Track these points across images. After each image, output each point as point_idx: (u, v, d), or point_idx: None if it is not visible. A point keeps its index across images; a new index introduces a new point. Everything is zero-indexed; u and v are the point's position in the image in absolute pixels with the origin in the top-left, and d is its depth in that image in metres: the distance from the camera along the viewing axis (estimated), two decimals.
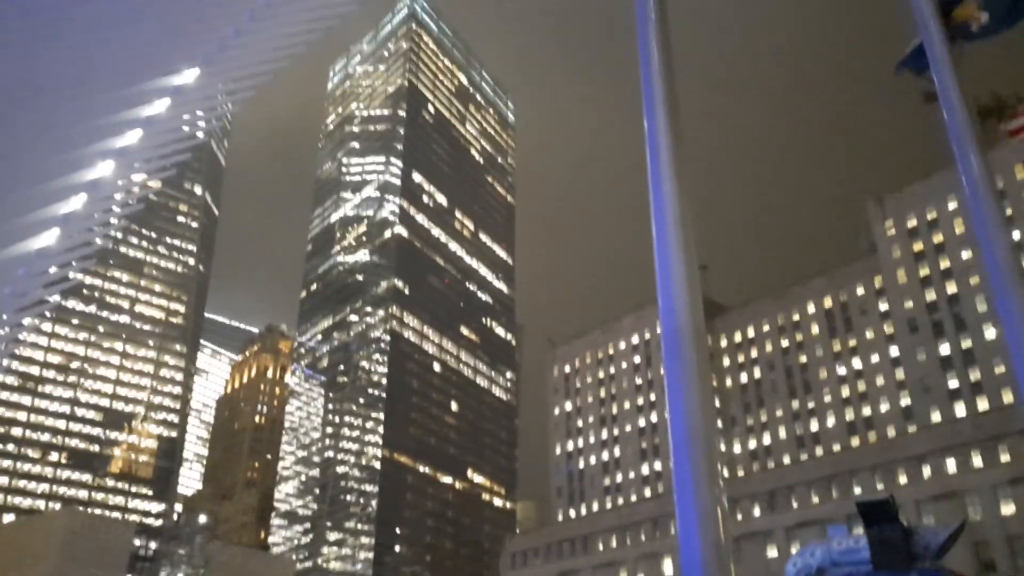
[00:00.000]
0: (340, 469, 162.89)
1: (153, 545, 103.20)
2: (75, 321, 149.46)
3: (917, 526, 43.84)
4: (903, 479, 65.47)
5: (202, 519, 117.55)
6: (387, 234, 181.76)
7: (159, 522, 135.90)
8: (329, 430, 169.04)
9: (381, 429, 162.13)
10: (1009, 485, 59.03)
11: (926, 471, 64.63)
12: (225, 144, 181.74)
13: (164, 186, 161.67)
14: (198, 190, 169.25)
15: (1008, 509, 58.28)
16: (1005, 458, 60.36)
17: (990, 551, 56.17)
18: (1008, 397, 76.99)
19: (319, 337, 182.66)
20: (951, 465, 62.85)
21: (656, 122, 5.08)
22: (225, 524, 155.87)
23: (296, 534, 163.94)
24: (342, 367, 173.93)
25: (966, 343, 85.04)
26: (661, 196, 5.01)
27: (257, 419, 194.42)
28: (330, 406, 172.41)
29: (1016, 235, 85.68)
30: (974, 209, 6.90)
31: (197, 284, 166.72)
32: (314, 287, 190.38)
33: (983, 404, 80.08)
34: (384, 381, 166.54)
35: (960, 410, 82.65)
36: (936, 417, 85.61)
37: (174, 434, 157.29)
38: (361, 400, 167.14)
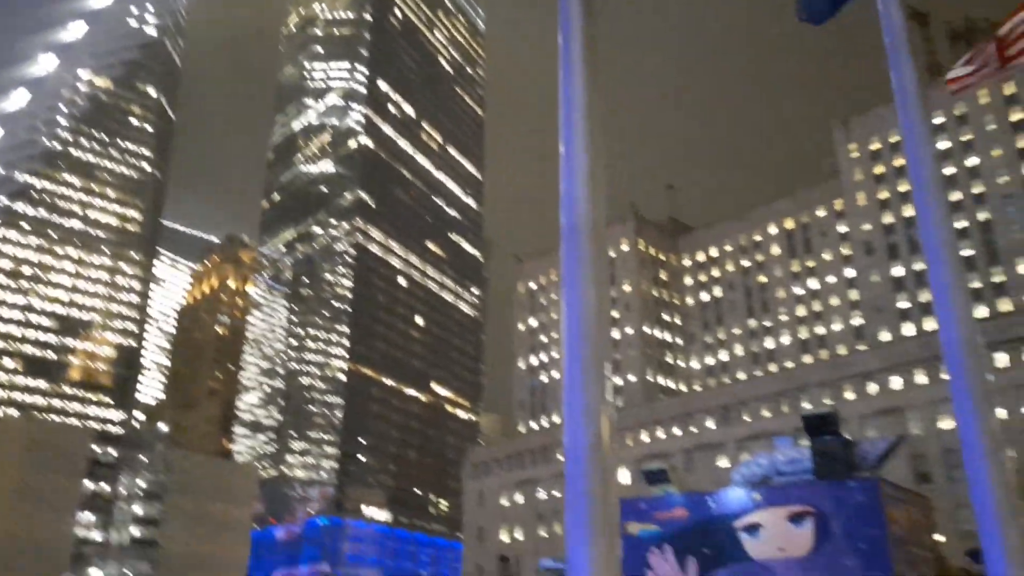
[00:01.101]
0: (304, 381, 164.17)
1: (113, 452, 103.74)
2: (25, 225, 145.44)
3: (858, 439, 45.71)
4: (850, 395, 67.87)
5: (163, 427, 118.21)
6: (352, 144, 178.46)
7: (120, 430, 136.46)
8: (293, 342, 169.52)
9: (346, 342, 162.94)
10: (947, 402, 61.57)
11: (872, 388, 67.03)
12: (180, 43, 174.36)
13: (115, 86, 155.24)
14: (152, 91, 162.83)
15: (945, 424, 60.98)
16: (946, 376, 62.68)
17: (927, 464, 58.92)
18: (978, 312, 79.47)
19: (282, 248, 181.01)
20: (896, 382, 65.22)
21: (570, 13, 4.94)
22: (187, 433, 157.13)
23: (260, 443, 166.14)
24: (306, 279, 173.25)
25: (918, 266, 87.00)
26: (570, 87, 4.89)
27: (219, 330, 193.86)
28: (294, 318, 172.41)
29: (974, 160, 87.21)
30: (908, 141, 6.89)
31: (153, 190, 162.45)
32: (276, 197, 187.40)
33: (930, 324, 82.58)
34: (349, 295, 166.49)
35: (909, 330, 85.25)
36: (886, 336, 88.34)
37: (132, 343, 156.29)
38: (326, 313, 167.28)
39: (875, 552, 35.00)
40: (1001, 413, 57.50)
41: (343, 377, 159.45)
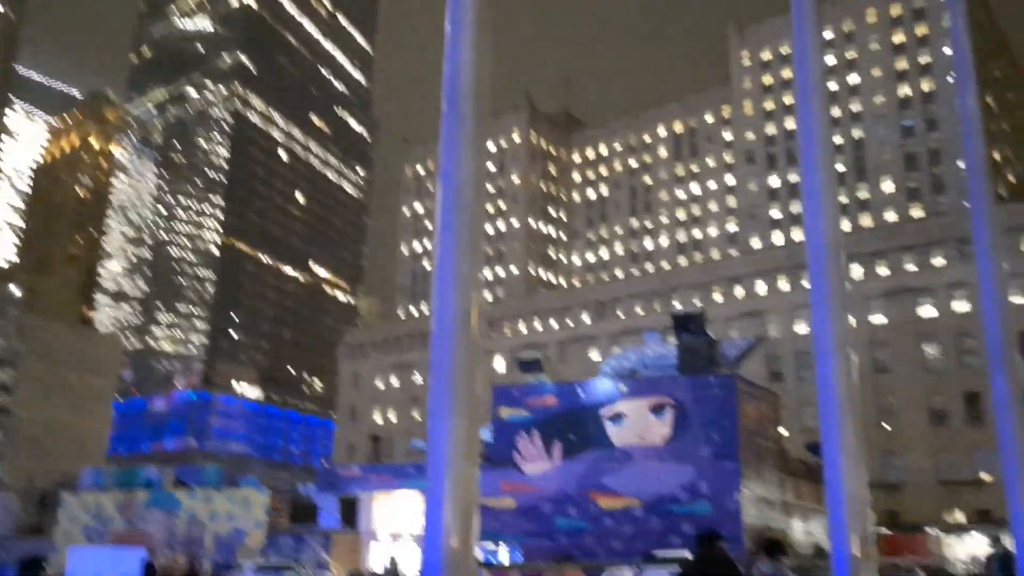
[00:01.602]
0: (174, 252, 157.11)
1: None
2: None
3: (721, 338, 47.93)
4: (718, 297, 71.08)
5: (15, 291, 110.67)
6: (233, 3, 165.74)
7: None
8: (162, 210, 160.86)
9: (220, 214, 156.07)
10: (804, 307, 65.65)
11: (739, 291, 70.38)
12: None
13: None
14: None
15: (800, 328, 65.11)
16: (806, 284, 66.54)
17: (780, 364, 63.03)
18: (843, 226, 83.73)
19: (152, 109, 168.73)
20: (760, 287, 68.69)
21: None
22: (44, 298, 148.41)
23: (125, 314, 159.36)
24: (178, 145, 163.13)
25: (793, 177, 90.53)
26: None
27: (80, 191, 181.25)
28: (164, 185, 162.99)
29: (855, 79, 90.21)
30: (798, 52, 6.70)
31: (4, 32, 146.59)
32: (147, 52, 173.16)
33: (798, 235, 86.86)
34: (225, 164, 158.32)
35: (779, 239, 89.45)
36: (756, 244, 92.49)
37: None
38: (199, 182, 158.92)
39: (726, 442, 37.37)
40: (850, 321, 61.73)
41: (216, 251, 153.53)
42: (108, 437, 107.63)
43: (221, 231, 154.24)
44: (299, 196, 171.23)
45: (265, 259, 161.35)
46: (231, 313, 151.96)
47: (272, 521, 46.33)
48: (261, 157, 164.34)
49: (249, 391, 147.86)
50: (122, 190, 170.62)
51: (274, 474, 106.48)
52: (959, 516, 55.62)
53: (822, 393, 5.90)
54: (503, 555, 40.16)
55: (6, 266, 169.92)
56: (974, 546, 38.71)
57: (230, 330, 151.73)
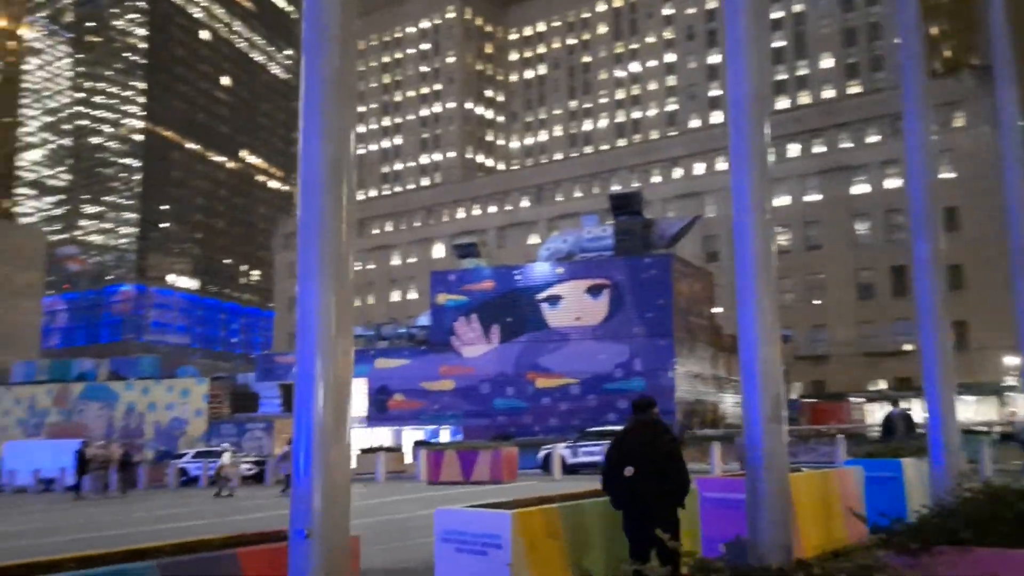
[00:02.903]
0: (95, 140, 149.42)
1: None
2: None
3: (657, 218, 47.96)
4: (657, 178, 70.99)
5: None
6: None
7: None
8: (81, 95, 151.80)
9: (142, 99, 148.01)
10: None
11: (677, 172, 70.35)
12: None
13: None
14: None
15: None
16: None
17: (717, 243, 63.86)
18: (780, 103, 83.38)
19: None
20: (699, 167, 68.72)
21: None
22: None
23: (48, 205, 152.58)
24: (93, 24, 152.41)
25: None
26: None
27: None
28: (80, 68, 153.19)
29: None
30: None
31: None
32: None
33: None
34: (143, 45, 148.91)
35: (718, 118, 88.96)
36: (696, 123, 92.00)
37: None
38: (117, 65, 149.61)
39: (660, 320, 38.02)
40: (785, 200, 62.52)
41: (139, 137, 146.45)
42: (39, 332, 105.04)
43: (144, 116, 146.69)
44: (224, 79, 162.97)
45: (192, 146, 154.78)
46: (160, 204, 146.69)
47: (213, 409, 46.30)
48: (181, 37, 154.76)
49: (185, 283, 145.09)
50: (34, 73, 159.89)
51: (215, 365, 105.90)
52: (881, 384, 58.52)
53: (738, 243, 5.72)
54: (444, 435, 40.93)
55: None
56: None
57: (160, 222, 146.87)
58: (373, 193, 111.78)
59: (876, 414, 44.29)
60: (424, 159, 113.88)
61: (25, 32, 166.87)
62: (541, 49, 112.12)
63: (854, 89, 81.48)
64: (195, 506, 22.17)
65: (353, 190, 4.31)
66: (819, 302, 62.25)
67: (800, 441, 27.54)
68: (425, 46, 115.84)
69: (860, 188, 61.74)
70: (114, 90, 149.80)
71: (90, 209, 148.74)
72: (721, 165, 66.26)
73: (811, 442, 27.88)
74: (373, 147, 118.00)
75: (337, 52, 4.39)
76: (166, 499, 26.31)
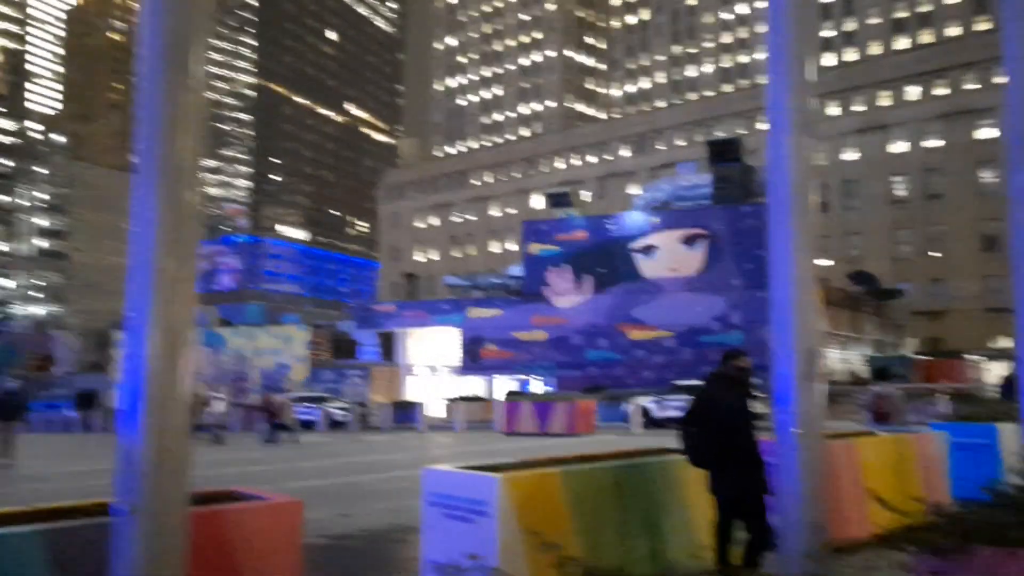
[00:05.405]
0: (211, 96, 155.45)
1: (7, 162, 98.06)
2: None
3: (758, 166, 45.91)
4: (763, 125, 67.87)
5: (60, 139, 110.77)
6: None
7: (14, 140, 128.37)
8: None
9: (253, 55, 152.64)
10: (852, 133, 62.50)
11: None
12: None
13: None
14: None
15: (848, 155, 62.24)
16: (856, 107, 63.11)
17: (826, 193, 60.83)
18: (899, 43, 78.37)
19: None
20: None
21: None
22: (88, 146, 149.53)
23: None
24: None
25: None
26: None
27: (114, 36, 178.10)
28: None
29: None
30: None
31: None
32: None
33: (851, 55, 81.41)
34: (254, 2, 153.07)
35: (830, 59, 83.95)
36: None
37: (15, 44, 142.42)
38: (229, 21, 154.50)
39: (760, 271, 36.57)
40: (903, 146, 58.76)
41: (251, 93, 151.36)
42: None
43: (255, 72, 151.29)
44: (330, 34, 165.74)
45: (300, 100, 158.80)
46: (271, 157, 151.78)
47: (315, 356, 47.95)
48: None
49: (296, 234, 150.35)
50: None
51: (325, 313, 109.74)
52: (1005, 343, 54.83)
53: (772, 175, 5.05)
54: (536, 385, 41.00)
55: (52, 114, 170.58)
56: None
57: (272, 174, 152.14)
58: (474, 144, 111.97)
59: (995, 373, 41.61)
60: (524, 109, 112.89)
61: None
62: None
63: (982, 26, 75.12)
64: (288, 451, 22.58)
65: (201, 81, 3.79)
66: (938, 254, 58.61)
67: (908, 400, 26.14)
68: None
69: (986, 132, 57.26)
70: (228, 47, 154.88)
71: (208, 163, 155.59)
72: (833, 110, 62.76)
73: (921, 400, 26.44)
74: (473, 98, 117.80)
75: None
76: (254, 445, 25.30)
